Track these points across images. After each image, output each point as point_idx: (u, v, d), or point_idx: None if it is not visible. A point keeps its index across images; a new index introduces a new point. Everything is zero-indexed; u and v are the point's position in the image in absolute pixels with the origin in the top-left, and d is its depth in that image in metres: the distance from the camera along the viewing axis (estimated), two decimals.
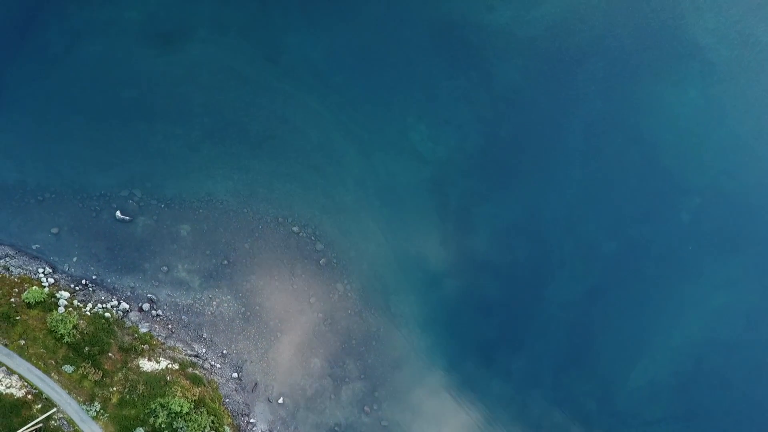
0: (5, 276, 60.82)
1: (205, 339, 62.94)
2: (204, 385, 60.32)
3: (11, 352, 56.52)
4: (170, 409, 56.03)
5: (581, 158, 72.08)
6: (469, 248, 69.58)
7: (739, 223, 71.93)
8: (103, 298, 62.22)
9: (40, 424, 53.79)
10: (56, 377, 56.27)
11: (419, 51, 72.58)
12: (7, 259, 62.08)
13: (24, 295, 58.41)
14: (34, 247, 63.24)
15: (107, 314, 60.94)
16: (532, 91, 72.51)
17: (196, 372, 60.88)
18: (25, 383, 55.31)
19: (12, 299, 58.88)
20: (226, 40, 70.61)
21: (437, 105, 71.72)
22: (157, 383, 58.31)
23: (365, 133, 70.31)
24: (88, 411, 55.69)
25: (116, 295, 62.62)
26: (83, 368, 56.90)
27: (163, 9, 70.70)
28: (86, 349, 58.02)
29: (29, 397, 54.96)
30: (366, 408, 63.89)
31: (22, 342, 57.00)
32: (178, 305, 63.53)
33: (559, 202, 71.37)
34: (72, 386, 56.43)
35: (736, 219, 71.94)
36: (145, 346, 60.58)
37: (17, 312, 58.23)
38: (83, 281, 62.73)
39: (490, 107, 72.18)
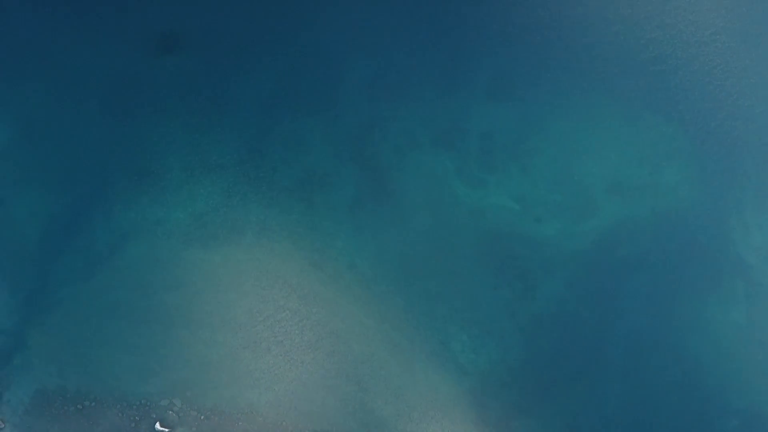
0: None
1: None
2: None
3: None
4: None
5: (621, 374, 76.64)
6: None
7: None
8: None
9: None
10: None
11: (464, 260, 77.55)
12: None
13: None
14: None
15: None
16: (575, 304, 77.38)
17: None
18: None
19: None
20: (272, 244, 75.60)
21: (480, 315, 76.39)
22: None
23: (407, 343, 74.84)
24: None
25: None
26: None
27: (211, 211, 75.73)
28: None
29: None
30: None
31: None
32: None
33: (597, 418, 75.80)
34: None
35: None
36: None
37: None
38: None
39: (532, 319, 76.93)
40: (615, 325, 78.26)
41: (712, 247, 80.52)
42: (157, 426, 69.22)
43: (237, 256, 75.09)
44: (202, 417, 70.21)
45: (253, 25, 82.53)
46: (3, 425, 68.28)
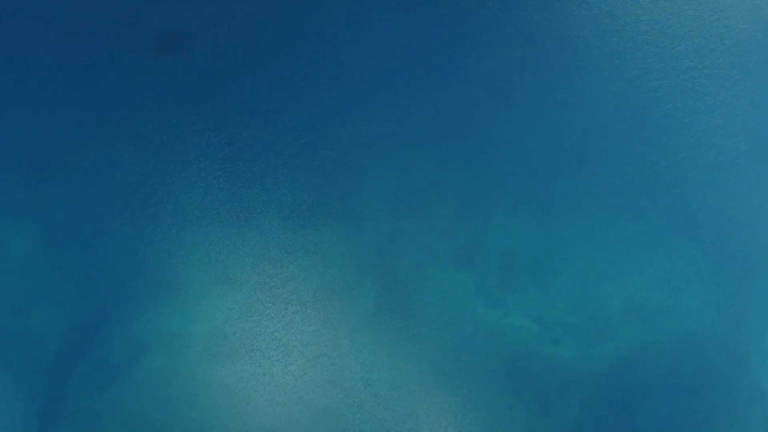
0: None
1: None
2: None
3: None
4: None
5: None
6: None
7: None
8: None
9: None
10: None
11: (480, 379, 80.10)
12: None
13: None
14: None
15: None
16: (590, 426, 79.90)
17: None
18: None
19: None
20: (287, 359, 78.09)
21: None
22: None
23: None
24: None
25: None
26: None
27: (229, 323, 78.56)
28: None
29: None
30: None
31: None
32: None
33: None
34: None
35: None
36: None
37: None
38: None
39: None
40: None
41: (730, 373, 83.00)
42: None
43: (252, 370, 77.73)
44: None
45: (275, 139, 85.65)
46: None
